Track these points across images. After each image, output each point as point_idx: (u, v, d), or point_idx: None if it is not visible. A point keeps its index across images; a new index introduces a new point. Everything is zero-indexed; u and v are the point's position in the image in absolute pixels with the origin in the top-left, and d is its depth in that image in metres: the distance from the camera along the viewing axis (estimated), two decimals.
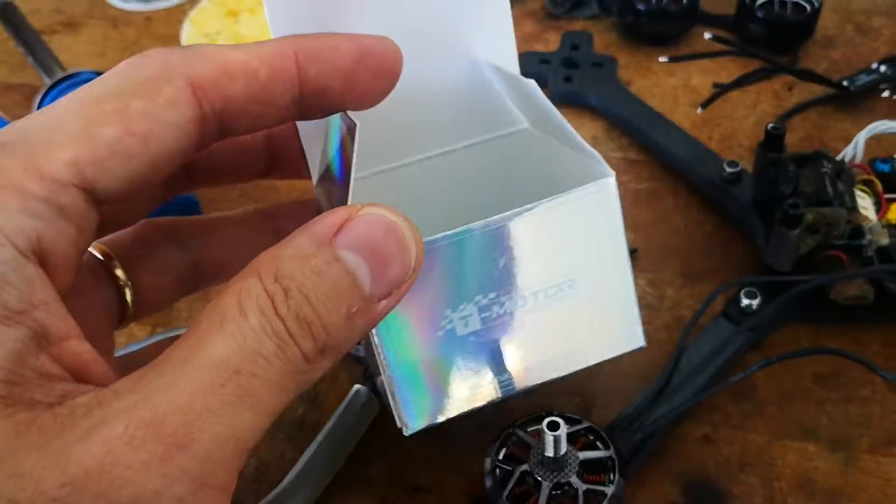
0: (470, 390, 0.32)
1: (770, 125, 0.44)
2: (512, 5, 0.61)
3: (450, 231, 0.29)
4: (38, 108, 0.51)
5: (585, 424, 0.36)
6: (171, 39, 0.63)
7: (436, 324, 0.30)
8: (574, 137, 0.32)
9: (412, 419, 0.32)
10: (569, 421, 0.36)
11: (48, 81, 0.54)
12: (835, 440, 0.40)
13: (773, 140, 0.44)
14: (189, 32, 0.59)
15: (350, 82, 0.29)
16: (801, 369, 0.42)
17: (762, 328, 0.43)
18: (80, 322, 0.30)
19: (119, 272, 0.33)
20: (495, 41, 0.37)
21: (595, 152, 0.31)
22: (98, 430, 0.21)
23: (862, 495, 0.38)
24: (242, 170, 0.36)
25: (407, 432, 0.32)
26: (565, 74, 0.57)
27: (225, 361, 0.22)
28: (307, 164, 0.34)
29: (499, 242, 0.30)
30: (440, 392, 0.32)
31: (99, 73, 0.52)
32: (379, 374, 0.32)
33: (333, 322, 0.24)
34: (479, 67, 0.37)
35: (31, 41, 0.58)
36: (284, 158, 0.36)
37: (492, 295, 0.31)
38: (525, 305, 0.31)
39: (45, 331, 0.22)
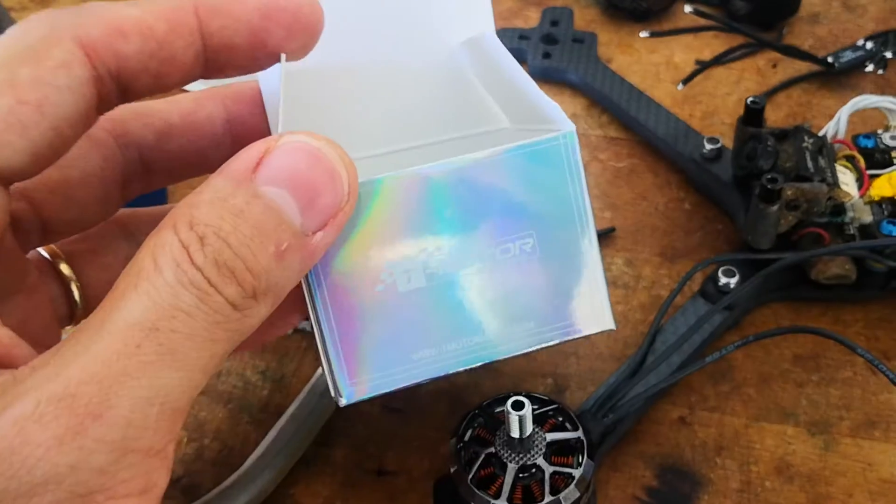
0: (418, 359, 0.29)
1: (750, 99, 0.43)
2: None
3: (389, 172, 0.27)
4: None
5: (554, 405, 0.34)
6: None
7: (375, 276, 0.28)
8: (533, 90, 0.30)
9: (348, 388, 0.28)
10: (536, 402, 0.34)
11: None
12: (814, 423, 0.39)
13: (752, 114, 0.43)
14: None
15: (258, 38, 0.28)
16: (780, 350, 0.41)
17: (740, 307, 0.41)
18: (22, 319, 0.29)
19: (64, 268, 0.32)
20: (474, 23, 0.36)
21: (555, 105, 0.29)
22: (8, 410, 0.20)
23: (841, 479, 0.37)
24: (205, 160, 0.34)
25: (342, 403, 0.28)
26: (544, 50, 0.55)
27: (140, 321, 0.21)
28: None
29: (446, 190, 0.27)
30: (382, 358, 0.28)
31: None
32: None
33: (261, 263, 0.23)
34: (458, 59, 0.36)
35: (3, 24, 0.57)
36: (246, 133, 0.34)
37: (437, 248, 0.28)
38: (477, 265, 0.28)
39: None
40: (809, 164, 0.41)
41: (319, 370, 0.40)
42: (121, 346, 0.21)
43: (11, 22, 0.56)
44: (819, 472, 0.37)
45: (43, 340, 0.29)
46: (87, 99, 0.25)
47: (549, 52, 0.55)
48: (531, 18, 0.60)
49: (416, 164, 0.27)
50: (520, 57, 0.56)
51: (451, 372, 0.29)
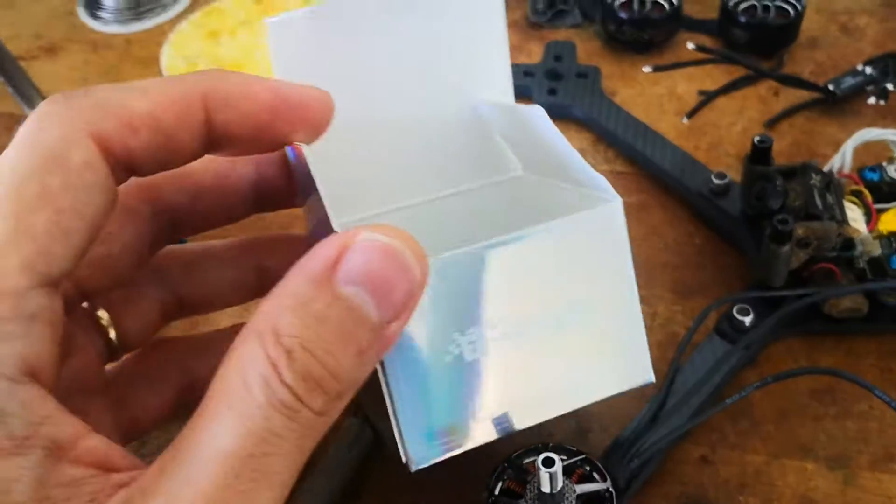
0: (482, 423, 0.30)
1: (757, 138, 0.44)
2: None
3: (454, 250, 0.28)
4: None
5: (581, 455, 0.35)
6: (152, 62, 0.63)
7: (443, 348, 0.29)
8: (579, 164, 0.31)
9: (420, 454, 0.30)
10: (564, 452, 0.35)
11: (28, 112, 0.53)
12: (833, 458, 0.40)
13: (760, 153, 0.44)
14: (169, 56, 0.58)
15: (263, 132, 0.29)
16: (797, 385, 0.42)
17: (756, 344, 0.42)
18: (76, 376, 0.30)
19: (102, 314, 0.33)
20: (493, 80, 0.37)
21: (601, 177, 0.30)
22: None
23: None
24: (231, 213, 0.35)
25: (414, 468, 0.30)
26: (549, 87, 0.56)
27: (237, 450, 0.22)
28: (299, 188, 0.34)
29: (506, 262, 0.29)
30: (449, 425, 0.30)
31: None
32: (377, 405, 0.30)
33: (344, 367, 0.24)
34: (477, 110, 0.37)
35: (9, 70, 0.57)
36: (272, 192, 0.35)
37: (500, 318, 0.29)
38: (532, 332, 0.30)
39: (57, 443, 0.23)
40: (818, 202, 0.42)
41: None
42: (220, 477, 0.22)
43: (23, 74, 0.57)
44: None
45: (93, 387, 0.32)
46: (111, 192, 0.26)
47: (553, 88, 0.56)
48: (534, 52, 0.60)
49: (445, 219, 0.28)
50: (525, 94, 0.57)
51: (512, 432, 0.31)
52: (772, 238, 0.40)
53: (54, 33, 0.67)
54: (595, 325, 0.31)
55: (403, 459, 0.30)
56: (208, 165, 0.34)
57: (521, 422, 0.31)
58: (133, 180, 0.28)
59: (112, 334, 0.33)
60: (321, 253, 0.24)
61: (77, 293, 0.31)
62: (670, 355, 0.43)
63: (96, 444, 0.24)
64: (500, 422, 0.30)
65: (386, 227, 0.25)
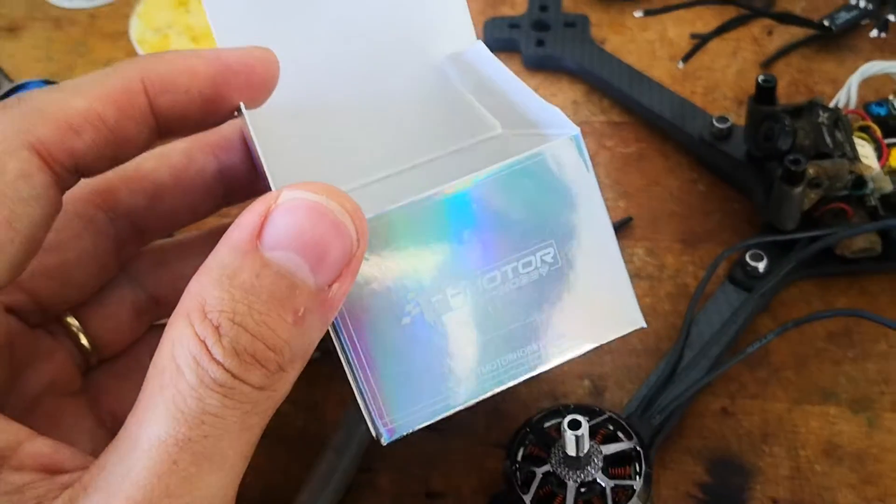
0: (453, 387, 0.28)
1: (760, 77, 0.42)
2: None
3: (397, 204, 0.26)
4: None
5: (605, 415, 0.34)
6: (119, 36, 0.60)
7: (399, 310, 0.27)
8: (532, 100, 0.30)
9: (388, 427, 0.28)
10: (587, 412, 0.34)
11: None
12: (856, 400, 0.39)
13: (764, 93, 0.43)
14: (138, 28, 0.56)
15: (211, 105, 0.28)
16: (813, 329, 0.41)
17: (770, 290, 0.41)
18: (49, 382, 0.29)
19: (71, 321, 0.31)
20: (454, 27, 0.35)
21: (556, 110, 0.28)
22: None
23: (890, 456, 0.37)
24: (197, 212, 0.34)
25: (384, 441, 0.28)
26: (537, 38, 0.54)
27: (172, 435, 0.21)
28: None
29: (459, 212, 0.27)
30: (416, 392, 0.28)
31: (47, 82, 0.49)
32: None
33: (281, 336, 0.23)
34: (445, 71, 0.36)
35: None
36: (238, 181, 0.34)
37: (459, 272, 0.27)
38: (500, 281, 0.28)
39: None
40: (828, 139, 0.41)
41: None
42: (158, 465, 0.21)
43: None
44: (867, 450, 0.37)
45: (67, 390, 0.31)
46: (53, 200, 0.25)
47: (541, 39, 0.54)
48: (518, 4, 0.58)
49: (420, 186, 0.27)
50: (512, 47, 0.55)
51: (487, 394, 0.29)
52: (784, 179, 0.39)
53: (14, 11, 0.64)
54: (572, 269, 0.29)
55: (373, 434, 0.28)
56: (163, 162, 0.32)
57: (508, 377, 0.29)
58: (86, 186, 0.27)
59: (83, 339, 0.32)
60: (245, 219, 0.23)
61: (38, 307, 0.30)
62: (682, 307, 0.42)
63: (40, 447, 0.23)
64: (473, 384, 0.28)
65: (312, 184, 0.24)
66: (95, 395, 0.32)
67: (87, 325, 0.32)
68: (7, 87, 0.49)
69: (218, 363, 0.22)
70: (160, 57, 0.27)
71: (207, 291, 0.22)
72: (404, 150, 0.36)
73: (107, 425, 0.32)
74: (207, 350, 0.22)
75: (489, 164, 0.37)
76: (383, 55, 0.35)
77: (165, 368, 0.22)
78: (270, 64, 0.29)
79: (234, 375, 0.22)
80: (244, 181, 0.34)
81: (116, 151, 0.27)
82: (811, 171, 0.40)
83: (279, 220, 0.23)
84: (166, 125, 0.28)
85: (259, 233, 0.23)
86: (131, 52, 0.57)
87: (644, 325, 0.30)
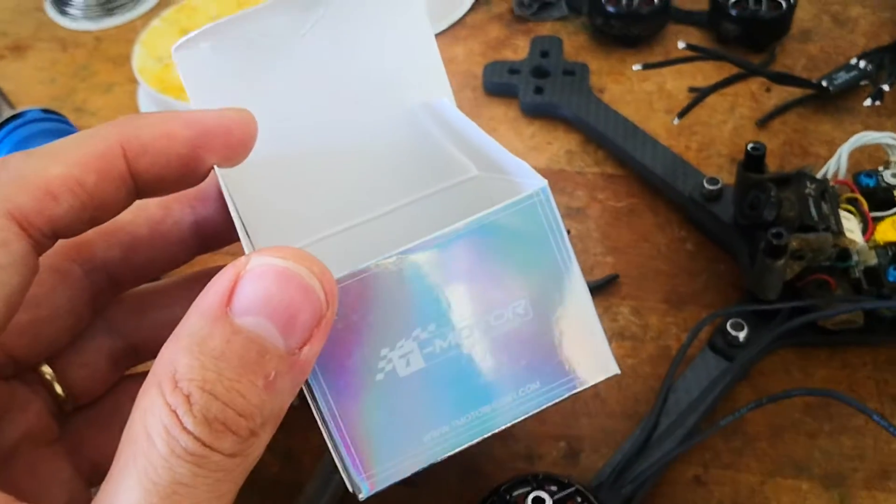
0: (429, 440, 0.28)
1: (750, 145, 0.43)
2: (477, 9, 0.59)
3: (366, 263, 0.26)
4: None
5: (573, 487, 0.34)
6: (123, 61, 0.60)
7: (372, 367, 0.27)
8: (499, 152, 0.30)
9: (365, 483, 0.28)
10: (555, 483, 0.34)
11: None
12: (829, 476, 0.39)
13: (753, 160, 0.43)
14: (140, 56, 0.56)
15: (188, 167, 0.28)
16: (791, 400, 0.41)
17: (749, 358, 0.41)
18: (24, 432, 0.29)
19: (45, 369, 0.31)
20: (428, 80, 0.36)
21: (523, 163, 0.29)
22: None
23: None
24: (172, 263, 0.34)
25: (361, 496, 0.28)
26: (535, 85, 0.54)
27: None
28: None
29: (428, 269, 0.27)
30: (393, 446, 0.28)
31: (46, 111, 0.50)
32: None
33: (252, 402, 0.23)
34: (419, 116, 0.36)
35: None
36: (213, 231, 0.34)
37: (431, 327, 0.27)
38: (472, 336, 0.28)
39: None
40: (813, 212, 0.41)
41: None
42: None
43: None
44: None
45: (44, 440, 0.31)
46: (30, 265, 0.25)
47: (540, 86, 0.54)
48: (520, 48, 0.59)
49: (398, 233, 0.27)
50: (511, 92, 0.55)
51: (464, 446, 0.29)
52: (766, 252, 0.39)
53: (21, 30, 0.65)
54: (544, 319, 0.29)
55: (350, 489, 0.28)
56: (140, 215, 0.33)
57: (484, 428, 0.29)
58: (60, 241, 0.27)
59: (57, 388, 0.32)
60: (214, 286, 0.23)
61: (11, 360, 0.30)
62: (663, 370, 0.42)
63: None
64: (448, 437, 0.28)
65: (280, 249, 0.24)
66: (73, 444, 0.32)
67: (63, 374, 0.32)
68: (7, 114, 0.50)
69: (188, 432, 0.22)
70: (139, 120, 0.28)
71: (178, 359, 0.23)
72: (382, 195, 0.37)
73: (84, 474, 0.32)
74: (178, 419, 0.22)
75: (466, 207, 0.37)
76: (357, 102, 0.36)
77: (137, 438, 0.22)
78: (248, 125, 0.29)
79: (204, 444, 0.22)
80: (220, 231, 0.34)
81: (94, 214, 0.27)
82: (794, 243, 0.40)
83: (248, 287, 0.23)
84: (144, 186, 0.28)
85: (228, 299, 0.23)
86: (133, 79, 0.58)
87: (618, 371, 0.30)
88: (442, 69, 0.36)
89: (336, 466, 0.28)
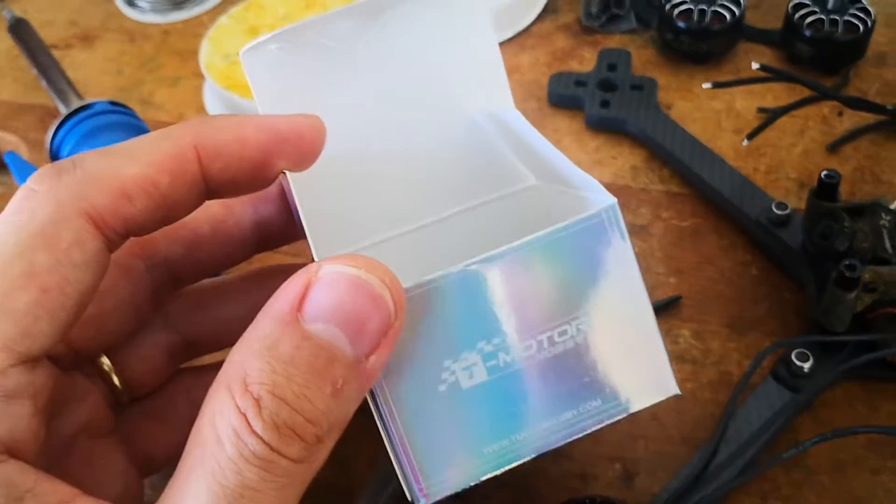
0: (488, 453, 0.28)
1: (824, 173, 0.42)
2: (544, 18, 0.59)
3: (434, 274, 0.26)
4: (52, 142, 0.49)
5: None
6: (189, 55, 0.61)
7: (436, 377, 0.27)
8: (568, 167, 0.30)
9: (423, 492, 0.28)
10: None
11: (63, 110, 0.52)
12: None
13: (826, 188, 0.42)
14: (207, 52, 0.56)
15: (259, 172, 0.28)
16: (854, 435, 0.40)
17: (814, 390, 0.40)
18: (84, 423, 0.30)
19: (104, 360, 0.32)
20: (490, 89, 0.36)
21: (592, 179, 0.28)
22: None
23: None
24: (231, 257, 0.35)
25: None
26: (602, 98, 0.54)
27: None
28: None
29: (496, 282, 0.27)
30: (452, 457, 0.28)
31: (114, 104, 0.50)
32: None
33: (319, 408, 0.23)
34: (479, 123, 0.36)
35: (45, 63, 0.56)
36: (273, 230, 0.35)
37: (496, 341, 0.27)
38: (535, 351, 0.28)
39: None
40: (888, 244, 0.40)
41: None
42: None
43: (58, 69, 0.56)
44: None
45: (101, 431, 0.31)
46: (103, 265, 0.26)
47: (606, 100, 0.54)
48: (586, 59, 0.58)
49: (455, 240, 0.27)
50: (576, 104, 0.55)
51: (522, 461, 0.29)
52: (837, 283, 0.38)
53: (90, 21, 0.66)
54: (606, 336, 0.29)
55: (409, 498, 0.28)
56: (202, 213, 0.33)
57: (543, 444, 0.29)
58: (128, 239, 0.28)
59: (115, 380, 0.32)
60: (286, 292, 0.24)
61: (73, 352, 0.31)
62: (722, 396, 0.42)
63: None
64: (508, 450, 0.28)
65: (352, 257, 0.24)
66: (127, 436, 0.33)
67: (121, 366, 0.33)
68: (76, 104, 0.50)
69: (257, 436, 0.22)
70: (213, 123, 0.28)
71: (248, 363, 0.23)
72: (438, 200, 0.37)
73: (137, 465, 0.33)
74: (248, 423, 0.22)
75: (522, 216, 0.37)
76: (418, 108, 0.36)
77: (206, 440, 0.23)
78: (318, 132, 0.29)
79: (272, 449, 0.22)
80: (279, 230, 0.35)
81: (166, 215, 0.27)
82: (867, 276, 0.39)
83: (319, 294, 0.24)
84: (215, 188, 0.28)
85: (300, 305, 0.24)
86: (201, 74, 0.58)
87: (679, 391, 0.30)
88: (504, 78, 0.36)
89: (390, 475, 0.28)
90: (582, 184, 0.30)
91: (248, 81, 0.32)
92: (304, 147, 0.29)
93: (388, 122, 0.35)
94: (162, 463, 0.34)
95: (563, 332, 0.28)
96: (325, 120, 0.30)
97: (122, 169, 0.26)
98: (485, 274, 0.27)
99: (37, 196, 0.25)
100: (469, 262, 0.27)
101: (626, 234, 0.28)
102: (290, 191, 0.30)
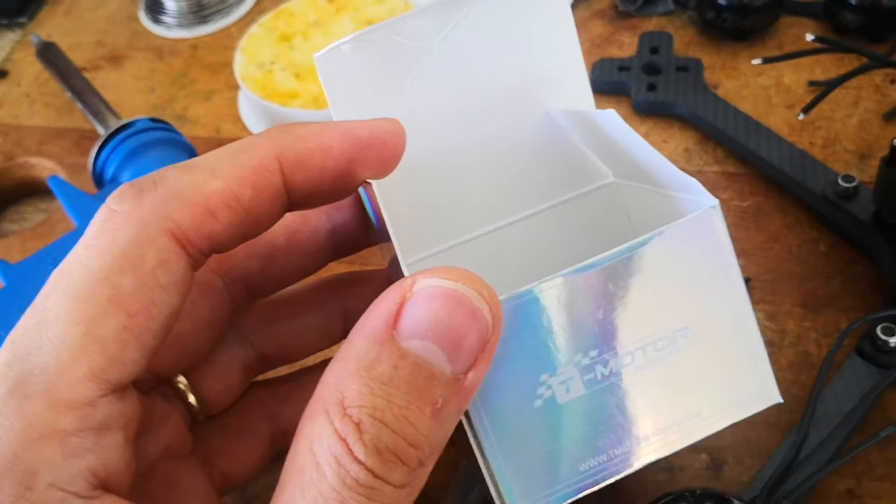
0: (585, 469, 0.27)
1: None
2: (577, 5, 0.58)
3: (530, 285, 0.25)
4: (95, 164, 0.49)
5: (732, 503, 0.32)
6: (221, 68, 0.60)
7: (531, 392, 0.26)
8: (666, 166, 0.28)
9: None
10: (714, 499, 0.32)
11: (102, 132, 0.51)
12: None
13: None
14: (242, 63, 0.55)
15: (342, 180, 0.27)
16: None
17: None
18: (165, 446, 0.29)
19: (181, 379, 0.31)
20: (570, 87, 0.34)
21: (693, 180, 0.27)
22: None
23: None
24: (307, 268, 0.33)
25: None
26: (648, 82, 0.53)
27: None
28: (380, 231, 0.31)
29: (593, 292, 0.26)
30: (549, 476, 0.27)
31: (153, 120, 0.49)
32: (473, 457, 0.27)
33: (421, 431, 0.22)
34: (555, 120, 0.35)
35: (78, 85, 0.55)
36: (347, 238, 0.34)
37: (593, 353, 0.26)
38: (634, 363, 0.26)
39: None
40: None
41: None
42: None
43: (92, 89, 0.55)
44: None
45: (180, 452, 0.31)
46: (188, 285, 0.25)
47: (652, 83, 0.52)
48: (625, 44, 0.57)
49: (536, 241, 0.26)
50: (621, 90, 0.53)
51: (621, 475, 0.27)
52: None
53: (117, 40, 0.65)
54: (708, 344, 0.27)
55: None
56: (279, 225, 0.32)
57: (637, 460, 0.27)
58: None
59: (191, 399, 0.31)
60: (380, 308, 0.23)
61: (153, 375, 0.30)
62: (804, 378, 0.40)
63: None
64: (607, 467, 0.27)
65: (447, 270, 0.23)
66: (205, 455, 0.32)
67: (197, 385, 0.32)
68: (115, 124, 0.50)
69: (360, 463, 0.21)
70: (294, 132, 0.27)
71: (345, 385, 0.22)
72: (516, 200, 0.36)
73: (216, 484, 0.32)
74: (349, 449, 0.21)
75: (602, 215, 0.35)
76: (495, 105, 0.35)
77: (305, 467, 0.21)
78: (399, 137, 0.28)
79: (375, 475, 0.21)
80: (353, 238, 0.33)
81: (249, 230, 0.26)
82: None
83: (415, 309, 0.22)
84: (297, 200, 0.27)
85: (395, 322, 0.22)
86: (234, 86, 0.57)
87: (781, 399, 0.28)
88: (584, 73, 0.35)
89: (473, 480, 0.27)
90: (675, 183, 0.28)
91: (322, 85, 0.31)
92: (386, 153, 0.28)
93: (466, 121, 0.34)
94: (239, 480, 0.33)
95: (665, 342, 0.27)
96: (400, 120, 0.29)
97: (205, 185, 0.25)
98: (582, 283, 0.25)
99: (118, 217, 0.24)
100: (565, 271, 0.25)
101: (728, 236, 0.27)
102: (371, 196, 0.29)
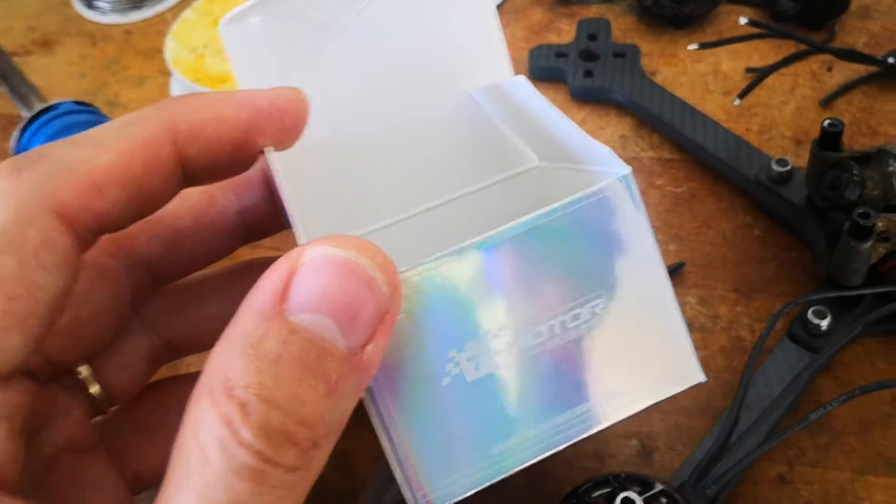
0: (497, 452, 0.26)
1: (826, 121, 0.40)
2: None
3: (433, 256, 0.24)
4: (17, 146, 0.47)
5: (658, 488, 0.32)
6: (154, 53, 0.59)
7: (438, 369, 0.24)
8: (579, 139, 0.27)
9: (426, 498, 0.25)
10: (638, 483, 0.32)
11: (26, 115, 0.50)
12: None
13: (829, 138, 0.40)
14: (173, 48, 0.54)
15: (240, 151, 0.26)
16: (878, 393, 0.38)
17: (831, 348, 0.39)
18: (61, 441, 0.28)
19: (82, 369, 0.29)
20: (488, 59, 0.33)
21: (607, 150, 0.26)
22: None
23: None
24: (215, 251, 0.32)
25: None
26: (585, 69, 0.52)
27: None
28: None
29: (501, 264, 0.24)
30: (459, 460, 0.25)
31: (79, 103, 0.48)
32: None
33: (315, 409, 0.20)
34: (476, 101, 0.34)
35: (4, 69, 0.53)
36: (258, 220, 0.32)
37: (504, 327, 0.25)
38: (546, 337, 0.25)
39: None
40: None
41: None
42: None
43: (19, 74, 0.53)
44: None
45: (85, 445, 0.29)
46: (75, 266, 0.23)
47: (589, 69, 0.52)
48: (564, 31, 0.56)
49: (453, 226, 0.24)
50: (558, 77, 0.53)
51: (537, 458, 0.26)
52: (851, 233, 0.37)
53: (48, 25, 0.63)
54: (625, 319, 0.26)
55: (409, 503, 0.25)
56: (182, 205, 0.30)
57: (558, 440, 0.26)
58: (101, 237, 0.25)
59: (93, 389, 0.29)
60: (267, 282, 0.21)
61: (49, 364, 0.28)
62: (736, 363, 0.40)
63: None
64: (520, 449, 0.26)
65: (338, 238, 0.21)
66: (116, 450, 0.30)
67: (100, 374, 0.30)
68: (39, 106, 0.48)
69: (247, 446, 0.20)
70: (188, 102, 0.25)
71: (231, 364, 0.20)
72: (436, 185, 0.35)
73: (128, 481, 0.30)
74: (234, 431, 0.20)
75: (526, 198, 0.34)
76: (412, 86, 0.33)
77: (190, 455, 0.20)
78: (302, 105, 0.27)
79: (265, 458, 0.20)
80: (265, 220, 0.32)
81: (141, 206, 0.25)
82: (880, 224, 0.37)
83: (305, 281, 0.21)
84: (192, 174, 0.26)
85: (283, 296, 0.21)
86: (166, 71, 0.56)
87: (704, 378, 0.27)
88: (502, 45, 0.34)
89: (393, 476, 0.25)
90: (591, 157, 0.27)
91: (227, 55, 0.30)
92: (286, 121, 0.26)
93: (382, 100, 0.33)
94: (152, 478, 0.31)
95: (577, 317, 0.25)
96: (312, 98, 0.27)
97: (92, 159, 0.23)
98: (487, 254, 0.24)
99: None
100: (469, 241, 0.24)
101: (642, 206, 0.25)
102: (272, 173, 0.27)
